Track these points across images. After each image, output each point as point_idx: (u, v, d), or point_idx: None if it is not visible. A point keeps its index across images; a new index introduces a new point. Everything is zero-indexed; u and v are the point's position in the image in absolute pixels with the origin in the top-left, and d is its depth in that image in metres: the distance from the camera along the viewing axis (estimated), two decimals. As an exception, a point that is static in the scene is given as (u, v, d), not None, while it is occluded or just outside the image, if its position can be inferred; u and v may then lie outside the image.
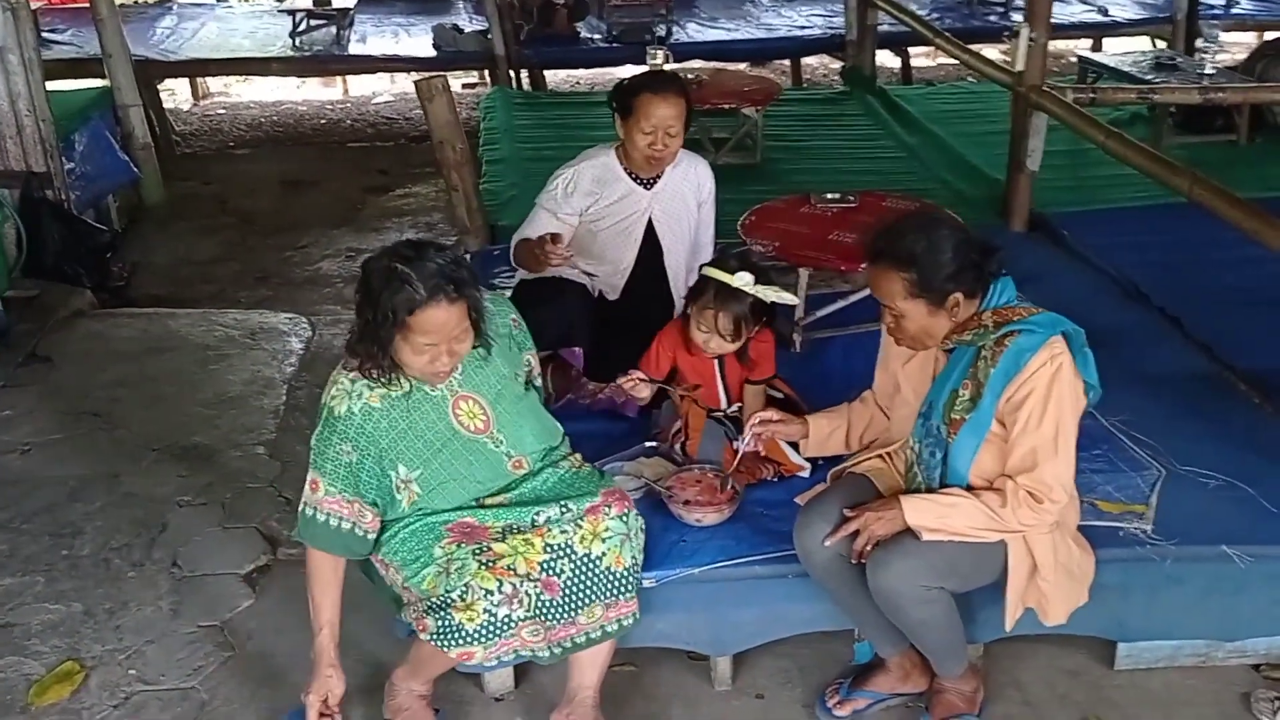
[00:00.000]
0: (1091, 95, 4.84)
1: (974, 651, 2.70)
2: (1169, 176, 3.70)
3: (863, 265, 3.48)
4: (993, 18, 8.38)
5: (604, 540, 2.44)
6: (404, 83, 8.83)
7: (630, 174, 3.33)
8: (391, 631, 2.68)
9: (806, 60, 8.88)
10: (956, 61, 6.16)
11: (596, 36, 8.15)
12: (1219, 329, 3.70)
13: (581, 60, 8.49)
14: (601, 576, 2.44)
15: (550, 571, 2.40)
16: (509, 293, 3.43)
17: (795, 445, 2.84)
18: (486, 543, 2.43)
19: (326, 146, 7.81)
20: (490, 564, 2.36)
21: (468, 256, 4.41)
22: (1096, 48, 8.58)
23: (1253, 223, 3.20)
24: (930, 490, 2.44)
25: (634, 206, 3.35)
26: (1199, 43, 5.85)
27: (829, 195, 4.00)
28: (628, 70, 7.83)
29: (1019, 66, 4.68)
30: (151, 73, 7.45)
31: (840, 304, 3.76)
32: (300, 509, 2.47)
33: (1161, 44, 7.98)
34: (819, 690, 2.74)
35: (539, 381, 2.76)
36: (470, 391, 2.51)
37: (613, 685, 2.74)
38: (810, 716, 2.71)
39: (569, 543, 2.42)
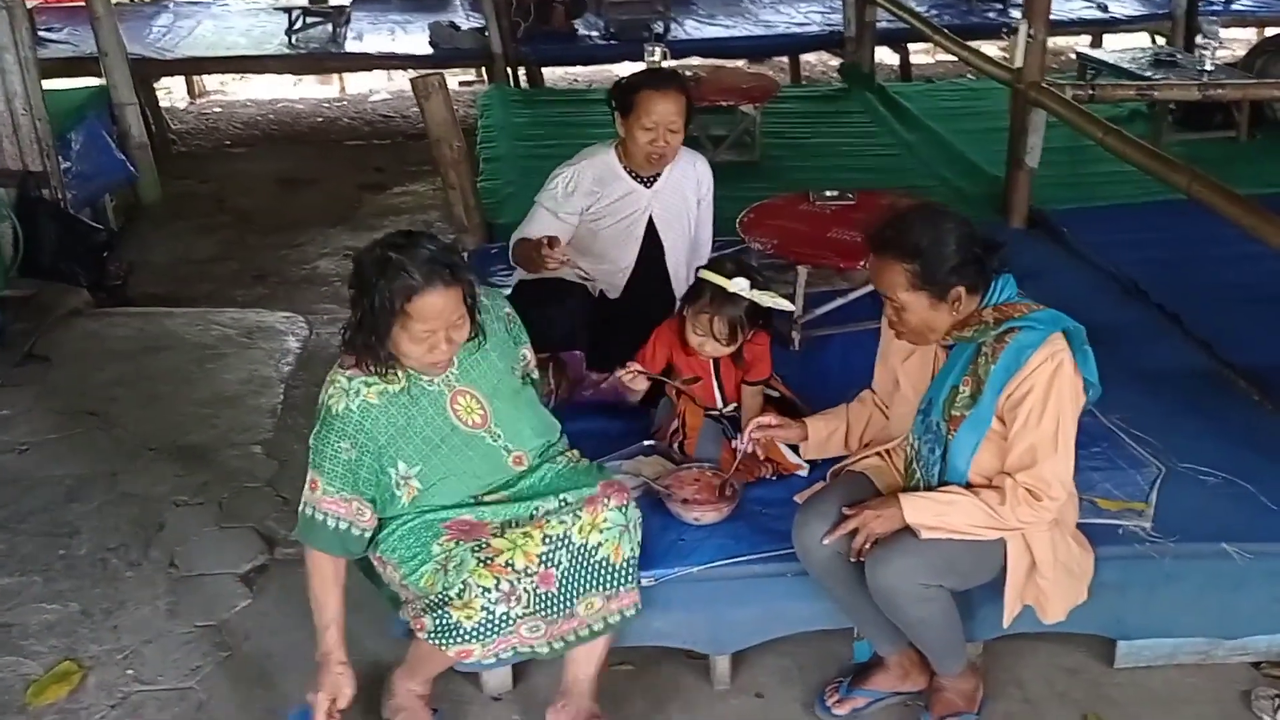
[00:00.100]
0: (1090, 92, 4.83)
1: (973, 649, 2.70)
2: (1168, 173, 3.69)
3: (862, 263, 3.53)
4: (991, 14, 8.38)
5: (602, 531, 2.43)
6: (401, 80, 8.81)
7: (630, 172, 3.32)
8: (389, 631, 2.67)
9: (805, 57, 8.88)
10: (955, 58, 6.16)
11: (594, 33, 8.15)
12: (1218, 326, 3.70)
13: (579, 57, 8.48)
14: (598, 567, 2.44)
15: (549, 563, 2.39)
16: (508, 291, 3.43)
17: (794, 446, 2.84)
18: (485, 539, 2.42)
19: (323, 144, 7.80)
20: (488, 561, 2.35)
21: (465, 255, 4.44)
22: (1096, 44, 8.59)
23: (1252, 219, 3.19)
24: (929, 487, 2.43)
25: (635, 205, 3.34)
26: (1198, 39, 5.84)
27: (828, 193, 3.99)
28: (625, 67, 7.84)
29: (1018, 63, 4.67)
30: (148, 71, 7.45)
31: (839, 302, 3.75)
32: (300, 509, 2.46)
33: (1161, 40, 7.98)
34: (818, 689, 2.73)
35: (535, 375, 2.75)
36: (467, 386, 2.51)
37: (611, 684, 2.74)
38: (809, 715, 2.70)
39: (567, 533, 2.41)
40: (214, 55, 7.97)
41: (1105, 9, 8.51)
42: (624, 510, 2.46)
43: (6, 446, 3.85)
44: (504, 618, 2.34)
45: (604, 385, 3.19)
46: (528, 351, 2.70)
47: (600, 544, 2.43)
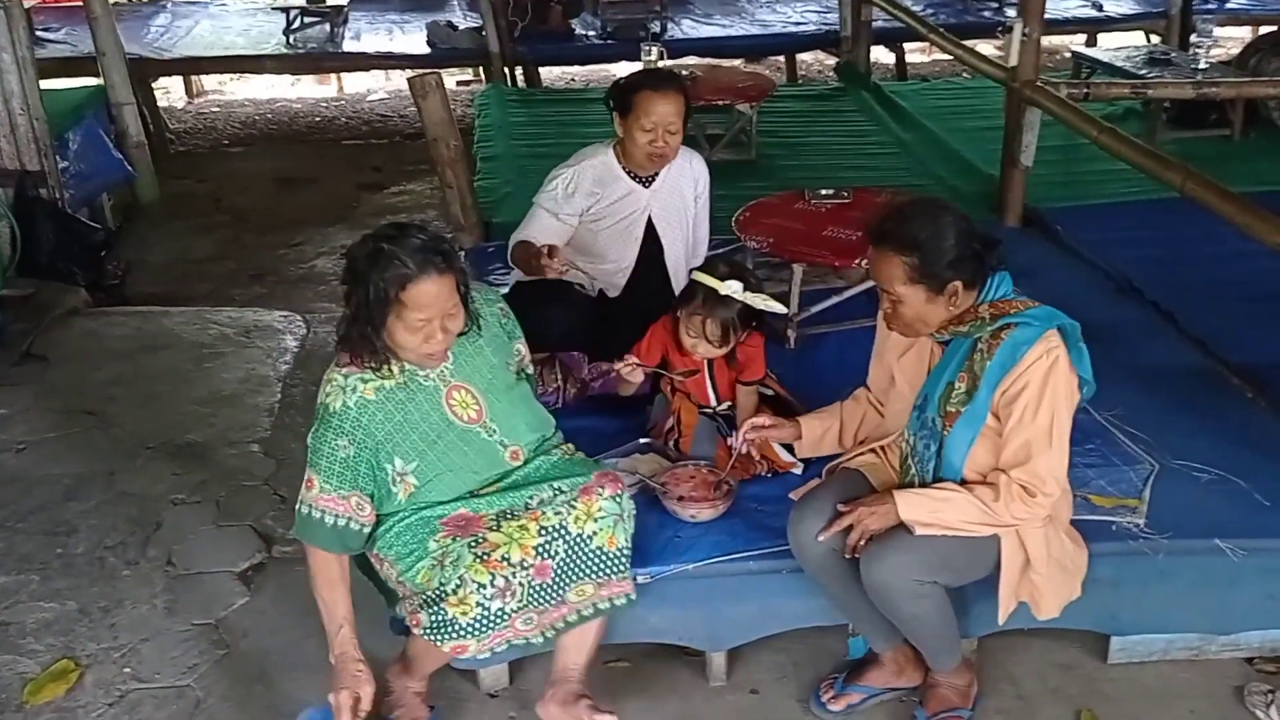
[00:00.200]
0: (1085, 90, 4.83)
1: (967, 646, 2.71)
2: (1162, 172, 3.70)
3: (857, 261, 3.54)
4: (987, 13, 8.38)
5: (597, 520, 2.44)
6: (398, 80, 8.81)
7: (629, 173, 3.33)
8: (386, 629, 2.68)
9: (801, 56, 8.88)
10: (951, 57, 6.17)
11: (591, 33, 8.14)
12: (1212, 324, 3.71)
13: (576, 57, 8.48)
14: (592, 555, 2.45)
15: (544, 554, 2.40)
16: (505, 289, 3.44)
17: (789, 445, 2.85)
18: (481, 533, 2.43)
19: (321, 144, 7.80)
20: (484, 556, 2.36)
21: (462, 253, 4.45)
22: (1091, 43, 8.59)
23: (1246, 218, 3.20)
24: (924, 484, 2.44)
25: (634, 205, 3.35)
26: (1193, 37, 5.85)
27: (823, 191, 4.00)
28: (622, 67, 7.85)
29: (1012, 62, 4.68)
30: (145, 71, 7.44)
31: (834, 300, 3.76)
32: (297, 507, 2.47)
33: (1156, 39, 7.99)
34: (813, 685, 2.74)
35: (530, 371, 2.76)
36: (462, 381, 2.52)
37: (607, 681, 2.76)
38: (805, 711, 2.71)
39: (563, 523, 2.42)
40: (212, 55, 7.96)
41: (1100, 7, 8.51)
42: (618, 499, 2.47)
43: (4, 445, 3.86)
44: (499, 613, 2.35)
45: (609, 376, 3.20)
46: (522, 346, 2.71)
47: (595, 532, 2.44)
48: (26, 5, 5.34)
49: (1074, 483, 2.56)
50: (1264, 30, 7.94)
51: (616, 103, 3.24)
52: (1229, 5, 8.73)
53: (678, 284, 3.37)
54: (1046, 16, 4.72)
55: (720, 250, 4.01)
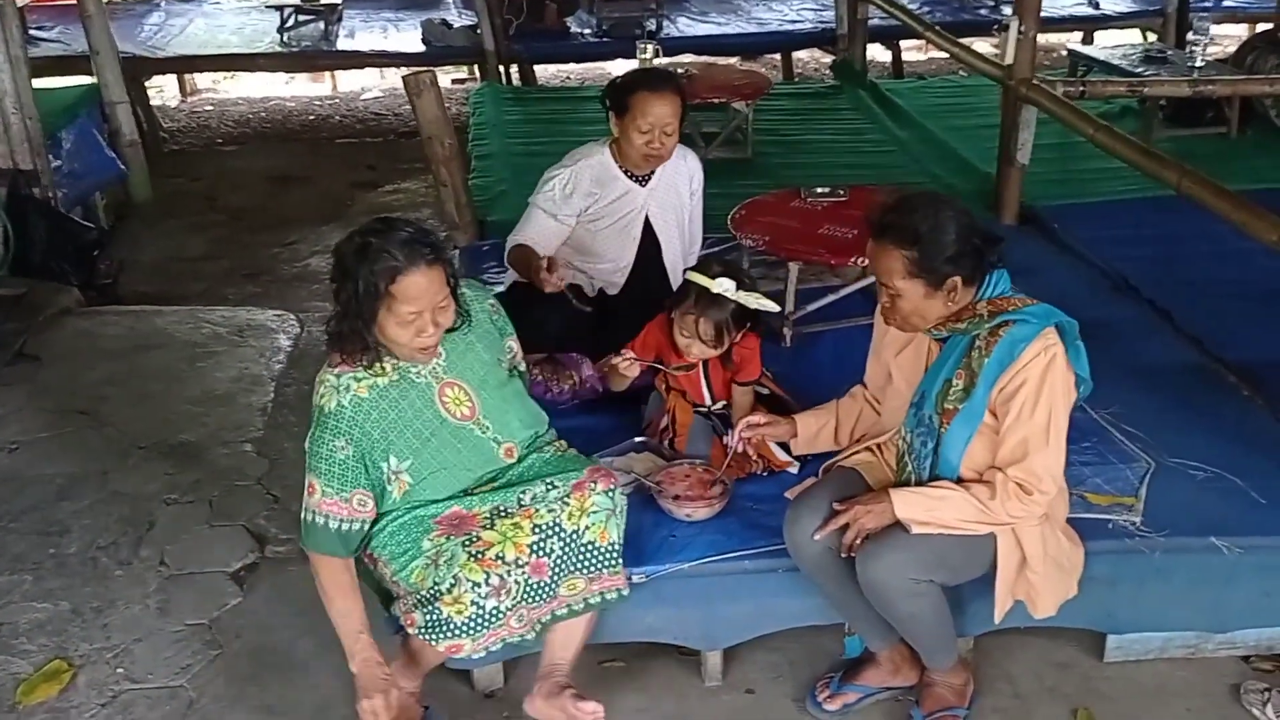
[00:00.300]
0: (1081, 88, 4.83)
1: (964, 645, 2.70)
2: (1159, 170, 3.69)
3: (853, 260, 3.53)
4: (983, 11, 8.39)
5: (589, 515, 2.44)
6: (393, 78, 8.82)
7: (626, 172, 3.32)
8: (381, 629, 2.66)
9: (797, 54, 8.87)
10: (947, 55, 6.16)
11: (586, 31, 8.13)
12: (1208, 322, 3.71)
13: (571, 55, 8.47)
14: (584, 550, 2.45)
15: (540, 552, 2.40)
16: (500, 289, 3.43)
17: (785, 444, 2.84)
18: (475, 532, 2.42)
19: (315, 142, 7.78)
20: (479, 555, 2.35)
21: (456, 252, 4.44)
22: (1087, 41, 8.60)
23: (1242, 215, 3.19)
24: (920, 481, 2.43)
25: (631, 204, 3.34)
26: (1190, 35, 5.85)
27: (819, 189, 3.99)
28: (618, 65, 7.85)
29: (1008, 60, 4.67)
30: (139, 69, 7.41)
31: (830, 298, 3.75)
32: (301, 516, 2.43)
33: (1152, 37, 7.99)
34: (809, 685, 2.73)
35: (522, 368, 2.75)
36: (455, 378, 2.51)
37: (603, 681, 2.75)
38: (800, 711, 2.70)
39: (557, 521, 2.41)
40: (205, 53, 7.95)
41: (1097, 5, 8.51)
42: (610, 494, 2.47)
43: (-3, 445, 3.85)
44: (494, 612, 2.34)
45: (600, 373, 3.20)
46: (513, 343, 2.70)
47: (588, 527, 2.44)
48: (20, 3, 5.33)
49: (1070, 481, 2.56)
50: (1260, 28, 7.95)
51: (612, 102, 3.22)
52: (1225, 3, 8.73)
53: (675, 282, 3.36)
54: (1043, 14, 4.72)
55: (716, 249, 4.00)
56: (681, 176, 3.42)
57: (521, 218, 3.36)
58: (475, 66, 8.31)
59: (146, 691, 2.79)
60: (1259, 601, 2.72)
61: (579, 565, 2.45)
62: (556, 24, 8.04)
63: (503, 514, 2.46)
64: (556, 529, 2.41)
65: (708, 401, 2.95)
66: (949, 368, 2.40)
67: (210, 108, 8.70)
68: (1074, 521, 2.60)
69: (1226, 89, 5.24)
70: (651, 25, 7.87)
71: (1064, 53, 7.67)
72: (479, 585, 2.32)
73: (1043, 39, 5.14)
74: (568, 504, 2.43)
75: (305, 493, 2.42)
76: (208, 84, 9.18)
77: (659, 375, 2.96)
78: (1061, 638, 2.83)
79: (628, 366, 2.83)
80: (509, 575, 2.35)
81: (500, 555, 2.36)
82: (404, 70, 6.51)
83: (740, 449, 2.74)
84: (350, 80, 9.19)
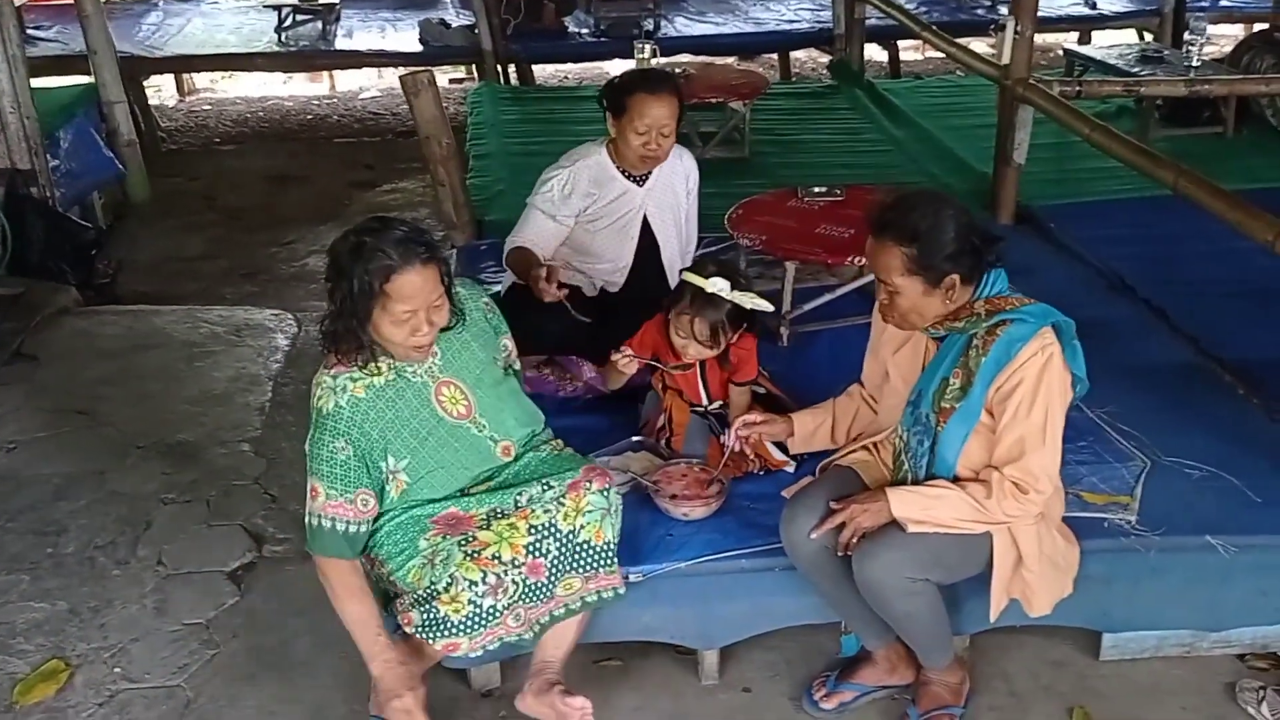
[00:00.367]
0: (1078, 88, 4.84)
1: (960, 643, 2.71)
2: (1155, 169, 3.70)
3: (850, 259, 3.54)
4: (980, 11, 8.40)
5: (585, 515, 2.44)
6: (391, 78, 8.81)
7: (623, 172, 3.32)
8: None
9: (794, 54, 8.88)
10: (944, 55, 6.16)
11: (584, 31, 8.13)
12: (1204, 321, 3.71)
13: (569, 55, 8.46)
14: (580, 549, 2.45)
15: (536, 553, 2.40)
16: (499, 287, 3.43)
17: (782, 444, 2.84)
18: (471, 532, 2.42)
19: (313, 142, 7.78)
20: (475, 554, 2.36)
21: (454, 251, 4.44)
22: (1084, 41, 8.60)
23: (1237, 215, 3.19)
24: (917, 480, 2.44)
25: (629, 204, 3.34)
26: (1186, 35, 5.86)
27: (816, 189, 3.99)
28: (616, 65, 7.85)
29: (1005, 60, 4.68)
30: (137, 69, 7.42)
31: (827, 297, 3.75)
32: (306, 521, 2.42)
33: (1149, 37, 8.00)
34: (805, 683, 2.74)
35: (518, 366, 2.75)
36: (451, 377, 2.51)
37: (600, 680, 2.75)
38: (797, 710, 2.71)
39: (553, 521, 2.42)
40: (203, 53, 7.96)
41: (1093, 5, 8.52)
42: (605, 493, 2.47)
43: (-6, 445, 3.85)
44: (491, 610, 2.34)
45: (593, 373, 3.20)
46: (508, 341, 2.70)
47: (583, 526, 2.44)
48: (17, 3, 5.33)
49: (1066, 480, 2.57)
50: (1257, 27, 7.96)
51: (610, 103, 3.22)
52: (1222, 3, 8.75)
53: (673, 279, 3.36)
54: (1039, 14, 4.72)
55: (713, 248, 4.01)
56: (678, 176, 3.42)
57: (520, 219, 3.35)
58: (473, 66, 8.32)
59: (144, 691, 2.79)
60: (1254, 600, 2.72)
61: (575, 565, 2.46)
62: (554, 24, 8.04)
63: (499, 515, 2.46)
64: (552, 529, 2.42)
65: (704, 402, 2.95)
66: (946, 366, 2.40)
67: (208, 107, 8.70)
68: (1070, 520, 2.60)
69: (1222, 89, 5.25)
70: (649, 25, 7.88)
71: (1061, 52, 7.67)
72: (476, 584, 2.32)
73: (1039, 39, 5.16)
74: (563, 504, 2.44)
75: (308, 497, 2.40)
76: (205, 83, 9.18)
77: (656, 374, 2.96)
78: (1057, 636, 2.84)
79: (626, 363, 2.83)
80: (505, 575, 2.36)
81: (497, 555, 2.36)
82: (402, 70, 6.51)
83: (737, 448, 2.74)
84: (348, 80, 9.19)
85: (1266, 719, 2.64)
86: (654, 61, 5.60)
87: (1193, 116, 5.85)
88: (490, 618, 2.35)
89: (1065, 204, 4.89)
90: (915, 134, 6.11)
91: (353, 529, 2.40)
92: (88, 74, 6.37)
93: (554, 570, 2.42)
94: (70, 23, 6.91)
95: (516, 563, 2.38)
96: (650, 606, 2.65)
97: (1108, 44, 7.42)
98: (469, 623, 2.33)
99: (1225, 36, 8.83)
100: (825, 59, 8.39)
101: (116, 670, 2.85)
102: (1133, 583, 2.68)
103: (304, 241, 5.85)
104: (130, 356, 4.44)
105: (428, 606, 2.34)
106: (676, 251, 3.46)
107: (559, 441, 2.72)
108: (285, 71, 8.78)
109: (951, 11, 8.37)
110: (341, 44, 8.07)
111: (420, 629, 2.35)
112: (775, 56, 8.81)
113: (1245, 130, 5.84)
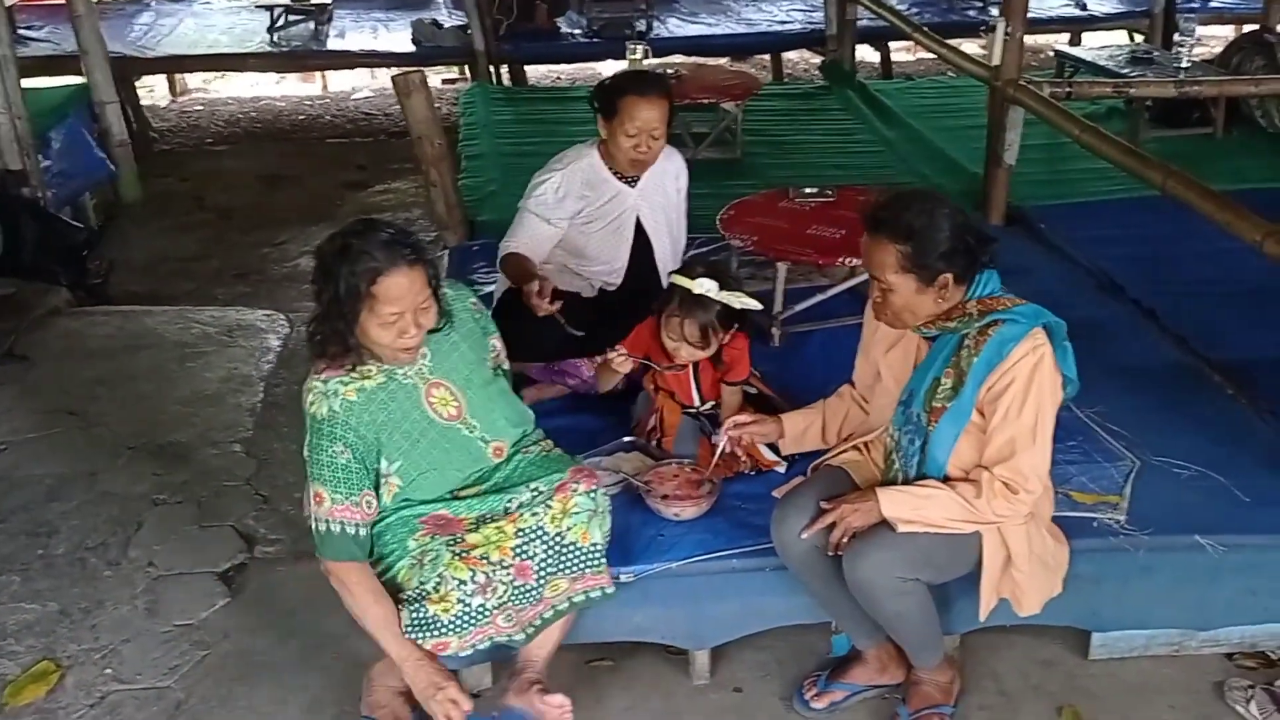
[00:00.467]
0: (1068, 89, 4.85)
1: (950, 643, 2.71)
2: (1144, 170, 3.71)
3: (841, 260, 3.55)
4: (971, 12, 8.41)
5: (572, 516, 2.44)
6: (383, 78, 8.78)
7: (615, 173, 3.32)
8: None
9: (786, 55, 8.90)
10: (935, 56, 6.18)
11: (576, 31, 8.13)
12: (1194, 321, 3.73)
13: (561, 55, 8.47)
14: (567, 551, 2.45)
15: (523, 555, 2.40)
16: (491, 288, 3.43)
17: (773, 444, 2.85)
18: (460, 534, 2.43)
19: (305, 142, 7.77)
20: (463, 555, 2.36)
21: (446, 252, 4.44)
22: (1074, 42, 8.63)
23: (1226, 215, 3.21)
24: (908, 480, 2.45)
25: (622, 206, 3.34)
26: (1176, 36, 5.88)
27: (808, 189, 4.00)
28: (608, 65, 7.85)
29: (996, 61, 4.69)
30: (129, 69, 7.40)
31: (819, 298, 3.76)
32: (313, 527, 2.41)
33: (1139, 38, 8.02)
34: (796, 683, 2.74)
35: (506, 367, 2.76)
36: (440, 378, 2.52)
37: (591, 679, 2.76)
38: (788, 709, 2.71)
39: (540, 524, 2.42)
40: (196, 53, 7.94)
41: (1084, 7, 8.55)
42: (592, 495, 2.47)
43: (-15, 446, 3.84)
44: (480, 609, 2.35)
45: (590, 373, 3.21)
46: (497, 342, 2.70)
47: (570, 528, 2.44)
48: (8, 3, 5.31)
49: (1055, 479, 2.57)
50: (1246, 28, 7.98)
51: (601, 104, 3.22)
52: (1212, 4, 8.77)
53: (666, 279, 3.36)
54: (1029, 15, 4.74)
55: (704, 249, 4.01)
56: (668, 176, 3.43)
57: (513, 223, 3.32)
58: (465, 67, 8.32)
59: (134, 692, 2.79)
60: (1243, 599, 2.73)
61: (562, 566, 2.46)
62: (547, 24, 8.04)
63: (488, 520, 2.46)
64: (539, 532, 2.42)
65: (696, 402, 2.96)
66: (938, 366, 2.41)
67: (200, 108, 8.68)
68: (1059, 520, 2.61)
69: (1212, 89, 5.27)
70: (641, 26, 7.91)
71: (1051, 54, 7.68)
72: (464, 583, 2.33)
73: (1030, 40, 5.17)
74: (550, 506, 2.44)
75: (313, 503, 2.40)
76: (198, 84, 9.15)
77: (648, 375, 2.96)
78: (1046, 635, 2.85)
79: (620, 362, 2.83)
80: (494, 574, 2.36)
81: (485, 556, 2.37)
82: (394, 70, 6.49)
83: (728, 449, 2.75)
84: (340, 80, 9.17)
85: (1255, 717, 2.65)
86: (646, 62, 5.59)
87: (1182, 118, 5.87)
88: (480, 616, 2.35)
89: (1055, 205, 4.90)
90: (907, 135, 6.12)
91: (362, 531, 2.40)
92: (79, 74, 6.34)
93: (540, 573, 2.43)
94: (62, 23, 6.89)
95: (504, 564, 2.38)
96: (641, 607, 2.66)
97: (1098, 45, 7.44)
98: (458, 622, 2.33)
99: (1215, 37, 8.87)
100: (817, 60, 8.40)
101: (107, 671, 2.85)
102: (1122, 582, 2.69)
103: (296, 242, 5.83)
104: (122, 357, 4.43)
105: (418, 606, 2.34)
106: (669, 252, 3.46)
107: (549, 442, 2.72)
108: (277, 72, 8.77)
109: (942, 13, 8.38)
110: (334, 44, 8.07)
111: (410, 628, 2.35)
112: (767, 57, 8.83)
113: (1235, 131, 5.86)
